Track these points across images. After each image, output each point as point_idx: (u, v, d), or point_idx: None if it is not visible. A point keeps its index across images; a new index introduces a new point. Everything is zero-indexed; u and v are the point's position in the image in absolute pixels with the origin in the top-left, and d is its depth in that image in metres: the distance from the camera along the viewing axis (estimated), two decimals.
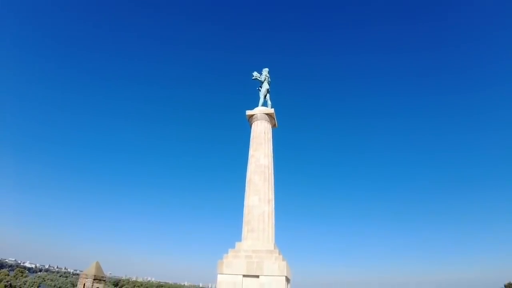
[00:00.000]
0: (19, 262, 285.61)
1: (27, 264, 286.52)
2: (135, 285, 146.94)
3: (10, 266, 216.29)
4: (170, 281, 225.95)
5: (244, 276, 14.99)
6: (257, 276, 14.83)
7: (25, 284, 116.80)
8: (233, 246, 16.53)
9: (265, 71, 21.33)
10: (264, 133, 19.05)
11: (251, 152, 18.64)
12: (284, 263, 15.02)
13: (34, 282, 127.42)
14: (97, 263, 27.12)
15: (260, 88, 21.04)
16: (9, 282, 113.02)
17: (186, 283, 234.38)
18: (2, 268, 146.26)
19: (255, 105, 20.44)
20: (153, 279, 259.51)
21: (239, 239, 16.99)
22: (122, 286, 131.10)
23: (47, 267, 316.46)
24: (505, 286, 45.53)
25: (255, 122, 19.54)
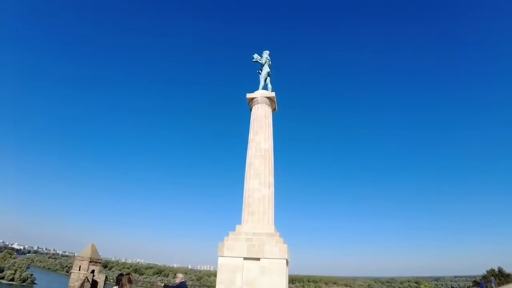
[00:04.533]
0: (7, 244, 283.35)
1: (15, 246, 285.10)
2: (124, 267, 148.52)
3: None
4: (159, 263, 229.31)
5: (245, 258, 15.21)
6: (258, 259, 15.09)
7: (14, 265, 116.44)
8: (233, 229, 16.71)
9: (266, 53, 20.95)
10: (265, 116, 18.95)
11: (251, 136, 18.58)
12: (285, 246, 15.29)
13: (23, 264, 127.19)
14: (93, 245, 27.06)
15: (260, 71, 20.73)
16: None
17: (175, 265, 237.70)
18: None
19: (255, 88, 20.23)
20: (142, 261, 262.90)
21: (238, 223, 17.14)
22: (111, 268, 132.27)
23: (35, 248, 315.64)
24: (487, 272, 47.71)
25: (255, 105, 19.39)
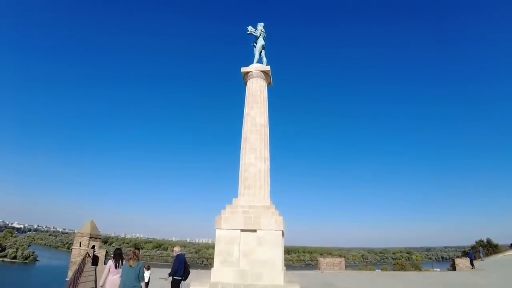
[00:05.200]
0: (7, 223, 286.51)
1: (16, 225, 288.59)
2: (123, 242, 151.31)
3: None
4: (158, 237, 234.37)
5: (241, 230, 15.56)
6: (255, 231, 15.44)
7: (15, 244, 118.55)
8: (230, 203, 16.97)
9: (260, 25, 20.37)
10: (260, 91, 18.74)
11: (246, 110, 18.45)
12: (281, 218, 15.62)
13: (24, 242, 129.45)
14: (92, 222, 27.50)
15: (255, 44, 20.24)
16: None
17: (173, 239, 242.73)
18: None
19: (250, 62, 19.86)
20: (141, 236, 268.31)
21: (235, 196, 17.38)
22: (111, 243, 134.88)
23: (35, 227, 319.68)
24: (476, 242, 49.26)
25: (250, 79, 19.12)
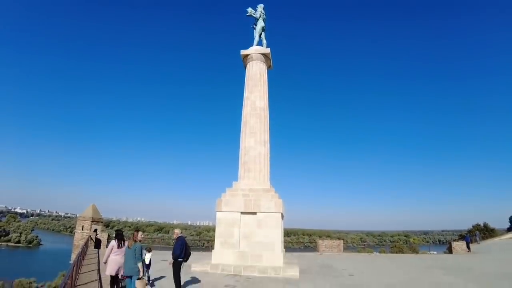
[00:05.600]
0: (9, 208, 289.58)
1: (18, 210, 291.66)
2: (125, 226, 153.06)
3: (1, 212, 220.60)
4: (160, 221, 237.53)
5: (242, 213, 15.77)
6: (255, 213, 15.64)
7: (18, 228, 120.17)
8: (230, 186, 17.12)
9: (260, 7, 19.96)
10: (260, 74, 18.57)
11: (246, 94, 18.34)
12: (280, 201, 15.79)
13: (28, 226, 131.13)
14: (94, 205, 27.79)
15: (254, 26, 19.90)
16: (2, 228, 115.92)
17: (175, 222, 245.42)
18: None
19: (250, 44, 19.59)
20: (143, 219, 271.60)
21: (235, 180, 17.51)
22: (113, 227, 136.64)
23: (38, 212, 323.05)
24: (472, 226, 49.83)
25: (250, 62, 18.92)
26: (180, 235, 11.16)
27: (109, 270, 9.01)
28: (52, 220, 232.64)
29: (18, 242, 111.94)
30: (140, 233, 8.71)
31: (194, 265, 14.97)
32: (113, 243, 9.33)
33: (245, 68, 19.41)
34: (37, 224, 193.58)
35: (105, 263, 9.13)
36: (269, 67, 19.87)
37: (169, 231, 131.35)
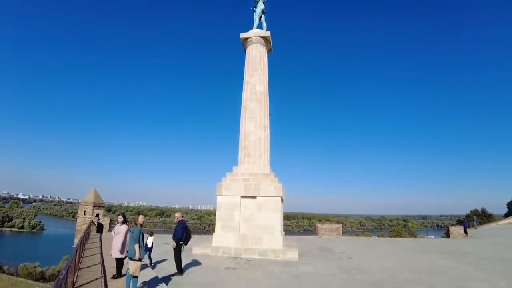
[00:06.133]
0: (12, 194, 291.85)
1: (21, 196, 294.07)
2: (127, 210, 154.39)
3: (4, 198, 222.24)
4: (161, 205, 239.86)
5: (242, 197, 15.90)
6: (255, 197, 15.77)
7: (21, 214, 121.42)
8: (230, 170, 17.19)
9: None
10: (260, 58, 18.33)
11: (246, 78, 18.16)
12: (280, 185, 15.88)
13: (31, 212, 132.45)
14: (95, 190, 27.94)
15: (254, 8, 19.49)
16: (5, 213, 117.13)
17: (176, 206, 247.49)
18: None
19: (249, 27, 19.26)
20: (144, 204, 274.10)
21: (235, 164, 17.57)
22: (115, 211, 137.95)
23: (40, 197, 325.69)
24: (470, 212, 50.21)
25: (250, 46, 18.64)
26: (181, 218, 11.27)
27: (112, 252, 9.29)
28: (55, 205, 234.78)
29: (22, 227, 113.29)
30: (141, 216, 8.81)
31: (195, 248, 15.20)
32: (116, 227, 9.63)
33: (245, 51, 19.15)
34: (40, 210, 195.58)
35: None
36: (269, 51, 19.60)
37: (170, 215, 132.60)
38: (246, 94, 17.81)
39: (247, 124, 17.29)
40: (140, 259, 7.84)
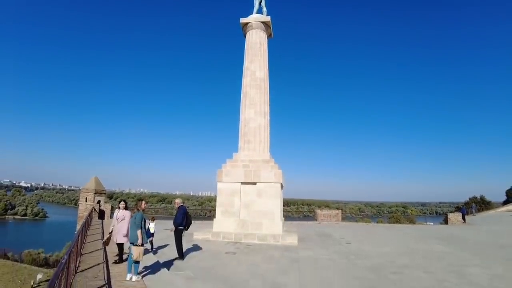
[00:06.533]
0: (14, 182, 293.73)
1: (23, 184, 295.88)
2: (128, 197, 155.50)
3: (6, 187, 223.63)
4: (162, 192, 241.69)
5: (242, 183, 15.99)
6: (254, 183, 15.85)
7: (24, 202, 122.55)
8: (230, 157, 17.22)
9: None
10: (260, 43, 18.09)
11: (246, 64, 17.97)
12: (279, 171, 15.93)
13: (33, 200, 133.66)
14: (96, 178, 28.09)
15: None
16: (8, 201, 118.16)
17: (177, 193, 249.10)
18: None
19: (249, 12, 18.92)
20: (145, 191, 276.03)
21: (235, 151, 17.59)
22: (116, 198, 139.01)
23: (42, 185, 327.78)
24: (469, 199, 50.46)
25: (250, 31, 18.37)
26: (181, 204, 11.36)
27: (116, 238, 9.40)
28: (57, 193, 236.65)
29: (25, 215, 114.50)
30: (143, 202, 8.88)
31: (196, 233, 15.37)
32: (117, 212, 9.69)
33: (245, 37, 18.89)
34: (42, 197, 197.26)
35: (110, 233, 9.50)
36: (269, 36, 19.33)
37: (171, 201, 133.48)
38: (246, 80, 17.66)
39: (247, 111, 17.22)
40: (142, 244, 7.92)
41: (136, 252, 7.67)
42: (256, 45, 18.01)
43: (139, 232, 7.81)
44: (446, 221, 29.52)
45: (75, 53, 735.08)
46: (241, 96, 17.81)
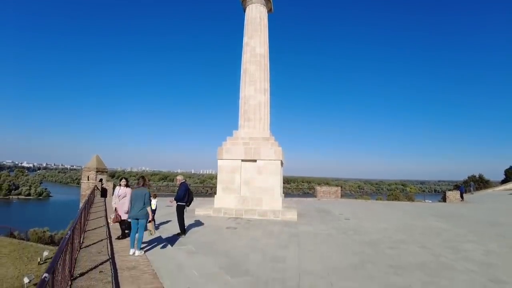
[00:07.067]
0: (16, 163, 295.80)
1: (25, 164, 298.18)
2: (130, 175, 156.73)
3: (9, 167, 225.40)
4: (164, 170, 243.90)
5: (242, 160, 16.06)
6: (255, 161, 15.92)
7: (27, 182, 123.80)
8: (230, 135, 17.19)
9: None
10: (260, 18, 17.58)
11: (245, 39, 17.56)
12: (279, 148, 15.95)
13: (36, 180, 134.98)
14: (97, 156, 28.24)
15: None
16: (12, 182, 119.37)
17: (179, 171, 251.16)
18: (2, 170, 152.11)
19: None
20: (147, 169, 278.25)
21: (235, 129, 17.54)
22: (118, 177, 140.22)
23: (44, 165, 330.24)
24: (468, 177, 50.79)
25: (250, 5, 17.81)
26: (183, 181, 11.43)
27: (121, 215, 9.55)
28: (59, 172, 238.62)
29: (29, 195, 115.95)
30: (146, 179, 8.96)
31: (198, 210, 15.62)
32: (118, 189, 9.80)
33: (244, 11, 18.36)
34: (45, 177, 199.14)
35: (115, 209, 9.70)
36: (269, 11, 18.78)
37: (173, 179, 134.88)
38: (246, 56, 17.33)
39: (247, 88, 17.01)
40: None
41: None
42: (256, 20, 17.54)
43: (149, 209, 8.21)
44: (444, 199, 29.88)
45: (75, 25, 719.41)
46: (241, 73, 17.53)
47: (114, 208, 9.65)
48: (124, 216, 9.40)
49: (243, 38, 17.80)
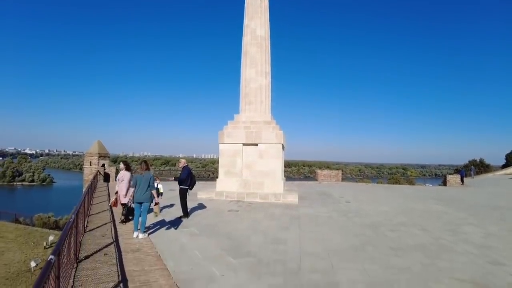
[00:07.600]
0: (19, 150, 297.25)
1: (27, 151, 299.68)
2: (132, 160, 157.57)
3: (12, 154, 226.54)
4: (166, 155, 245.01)
5: (244, 144, 16.06)
6: (256, 144, 15.91)
7: (30, 168, 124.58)
8: (231, 119, 17.11)
9: None
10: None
11: (246, 21, 17.19)
12: (281, 132, 15.90)
13: (39, 166, 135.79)
14: (99, 141, 28.27)
15: None
16: (15, 168, 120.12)
17: (181, 155, 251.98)
18: (5, 157, 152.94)
19: None
20: (149, 154, 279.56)
21: (236, 113, 17.43)
22: (120, 162, 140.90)
23: (47, 151, 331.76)
24: (469, 162, 50.78)
25: None
26: (186, 165, 11.47)
27: (121, 199, 9.64)
28: (61, 158, 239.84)
29: (32, 181, 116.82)
30: (148, 163, 8.99)
31: (200, 193, 15.74)
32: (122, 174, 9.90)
33: None
34: (48, 164, 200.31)
35: (116, 193, 10.00)
36: None
37: (175, 164, 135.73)
38: (246, 38, 17.02)
39: (247, 71, 16.79)
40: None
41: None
42: (257, 1, 17.13)
43: (154, 192, 8.45)
44: (444, 183, 29.98)
45: (76, 14, 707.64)
46: (242, 55, 17.26)
47: (115, 191, 9.78)
48: (124, 200, 9.50)
49: (243, 20, 17.44)
